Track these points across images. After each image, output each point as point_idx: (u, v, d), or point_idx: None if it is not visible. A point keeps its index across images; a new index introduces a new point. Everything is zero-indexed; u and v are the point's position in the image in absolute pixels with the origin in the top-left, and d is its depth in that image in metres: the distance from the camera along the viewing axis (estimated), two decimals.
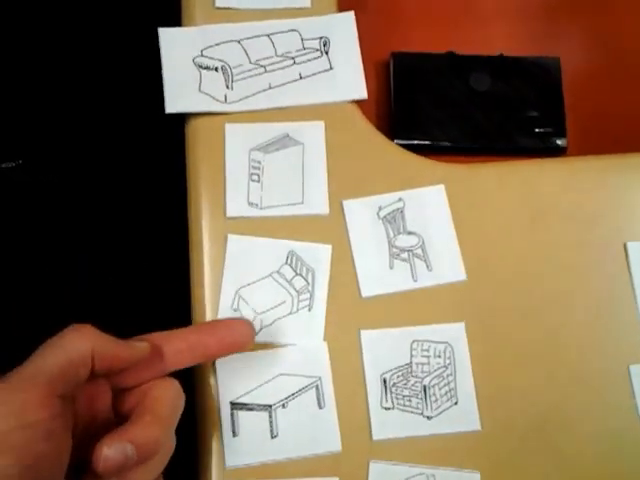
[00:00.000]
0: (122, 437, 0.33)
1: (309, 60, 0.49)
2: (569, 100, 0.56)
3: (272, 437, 0.42)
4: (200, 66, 0.48)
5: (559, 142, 0.55)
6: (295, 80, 0.49)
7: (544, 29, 0.60)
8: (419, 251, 0.46)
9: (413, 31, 0.59)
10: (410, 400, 0.43)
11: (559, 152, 0.56)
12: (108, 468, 0.32)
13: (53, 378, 0.32)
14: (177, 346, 0.38)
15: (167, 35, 0.49)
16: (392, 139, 0.54)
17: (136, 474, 0.34)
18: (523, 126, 0.56)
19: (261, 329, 0.43)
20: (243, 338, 0.40)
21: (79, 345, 0.33)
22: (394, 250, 0.46)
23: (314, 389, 0.43)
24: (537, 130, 0.56)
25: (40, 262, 0.73)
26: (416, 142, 0.55)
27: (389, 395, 0.43)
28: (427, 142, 0.55)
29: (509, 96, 0.57)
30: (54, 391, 0.32)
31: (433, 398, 0.43)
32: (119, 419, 0.36)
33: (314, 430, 0.42)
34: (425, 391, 0.43)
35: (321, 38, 0.50)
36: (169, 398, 0.37)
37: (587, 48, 0.60)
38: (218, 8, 0.50)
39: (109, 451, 0.32)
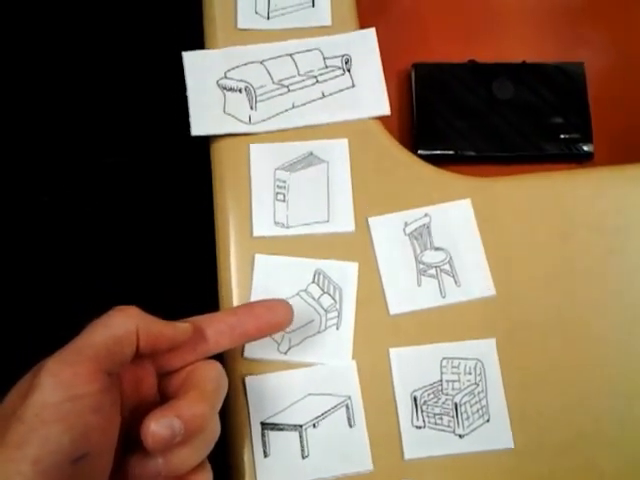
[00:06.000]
0: (169, 412, 0.34)
1: (331, 78, 0.49)
2: (594, 105, 0.55)
3: (303, 457, 0.42)
4: (224, 88, 0.48)
5: (586, 148, 0.55)
6: (318, 98, 0.48)
7: (567, 35, 0.60)
8: (447, 267, 0.45)
9: (434, 41, 0.59)
10: (441, 418, 0.43)
11: (586, 158, 0.55)
12: (156, 443, 0.33)
13: (100, 354, 0.33)
14: (218, 328, 0.38)
15: (191, 58, 0.49)
16: (415, 150, 0.54)
17: (182, 453, 0.34)
18: (548, 133, 0.55)
19: (289, 348, 0.43)
20: (281, 317, 0.40)
21: (124, 323, 0.34)
22: (421, 266, 0.45)
23: (344, 408, 0.43)
24: (563, 136, 0.55)
25: (62, 290, 0.74)
26: (440, 152, 0.55)
27: (420, 413, 0.43)
28: (451, 152, 0.55)
29: (533, 103, 0.56)
30: (101, 366, 0.33)
31: (465, 416, 0.43)
32: (164, 402, 0.36)
33: (345, 449, 0.42)
34: (456, 409, 0.43)
35: (343, 56, 0.49)
36: (213, 376, 0.37)
37: (611, 53, 0.60)
38: (240, 30, 0.50)
39: (156, 426, 0.33)
